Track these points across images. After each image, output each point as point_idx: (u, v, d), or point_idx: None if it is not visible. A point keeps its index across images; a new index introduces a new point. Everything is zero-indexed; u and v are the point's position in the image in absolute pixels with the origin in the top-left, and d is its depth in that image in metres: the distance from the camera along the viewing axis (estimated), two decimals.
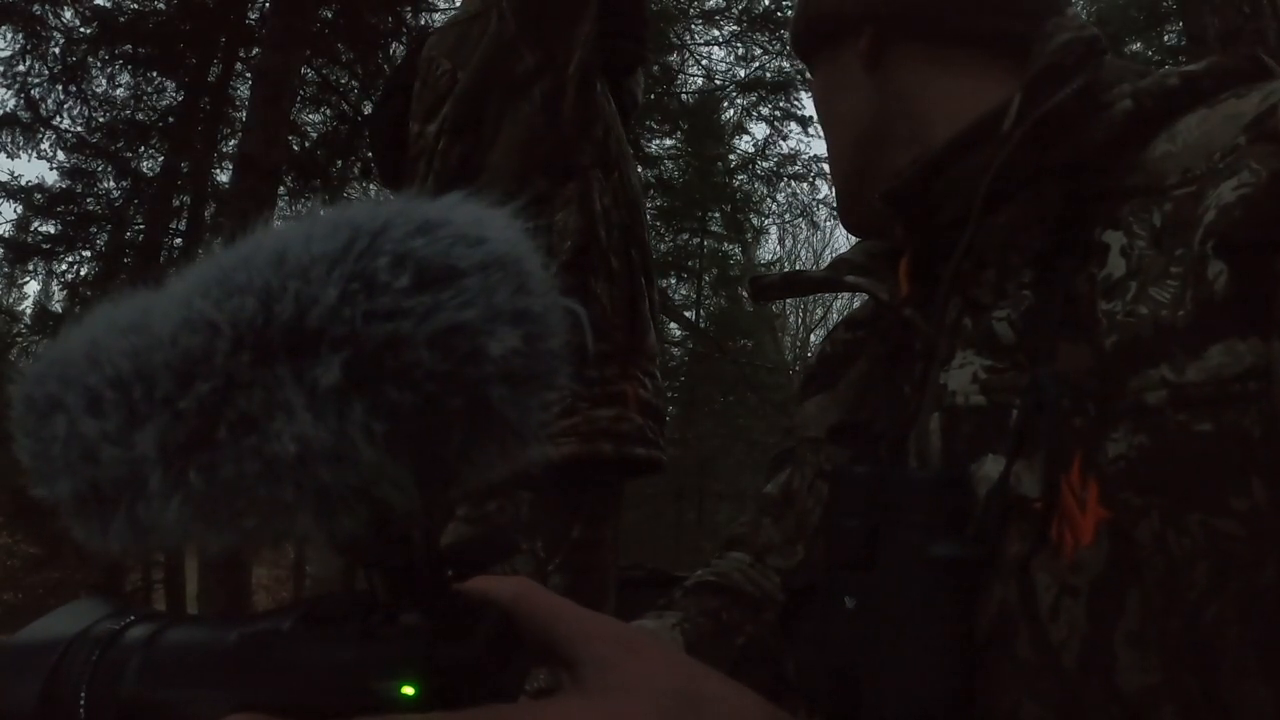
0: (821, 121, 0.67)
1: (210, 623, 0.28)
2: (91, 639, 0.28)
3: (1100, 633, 0.40)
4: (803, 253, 14.14)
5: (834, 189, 0.68)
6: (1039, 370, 0.45)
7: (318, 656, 0.24)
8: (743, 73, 8.33)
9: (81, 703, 0.27)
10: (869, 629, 0.47)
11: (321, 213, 0.23)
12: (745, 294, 9.90)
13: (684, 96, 8.31)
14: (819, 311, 14.14)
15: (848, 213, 0.66)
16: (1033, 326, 0.47)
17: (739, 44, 8.16)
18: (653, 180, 7.95)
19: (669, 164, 8.42)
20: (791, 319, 13.89)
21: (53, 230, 6.25)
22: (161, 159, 6.42)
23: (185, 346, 0.21)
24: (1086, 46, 0.50)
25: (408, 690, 0.23)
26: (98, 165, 6.28)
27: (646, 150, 7.81)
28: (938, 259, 0.55)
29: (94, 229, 6.30)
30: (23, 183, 6.05)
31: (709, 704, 0.25)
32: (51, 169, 6.25)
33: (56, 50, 5.98)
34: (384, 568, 0.24)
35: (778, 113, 8.29)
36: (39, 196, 6.11)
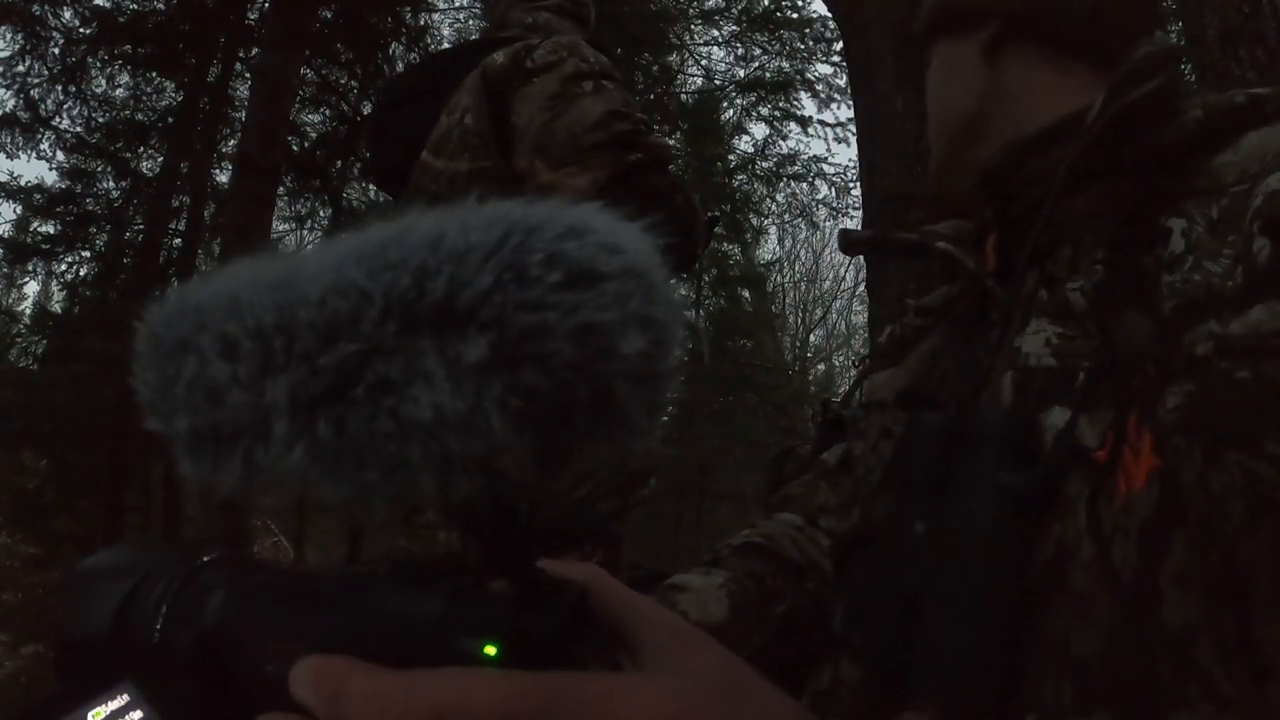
0: (930, 98, 0.74)
1: (292, 570, 0.29)
2: (170, 571, 0.29)
3: (1148, 570, 0.44)
4: (802, 253, 14.15)
5: (931, 165, 0.75)
6: (1106, 336, 0.51)
7: (406, 609, 0.26)
8: (742, 73, 8.35)
9: (157, 631, 0.28)
10: (937, 550, 0.51)
11: (476, 206, 0.24)
12: (745, 294, 9.92)
13: (683, 96, 8.32)
14: (818, 312, 14.16)
15: (941, 188, 0.73)
16: (1102, 297, 0.53)
17: (738, 44, 8.18)
18: None
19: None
20: (791, 319, 13.89)
21: (52, 230, 6.25)
22: (161, 159, 6.41)
23: (333, 309, 0.23)
24: (1165, 55, 0.58)
25: (490, 650, 0.24)
26: (97, 165, 6.28)
27: None
28: (1020, 242, 0.61)
29: (93, 229, 6.30)
30: (22, 183, 6.05)
31: (755, 702, 0.27)
32: (51, 169, 6.26)
33: (56, 50, 5.98)
34: (482, 535, 0.26)
35: (777, 113, 8.30)
36: (38, 196, 6.11)
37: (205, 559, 0.29)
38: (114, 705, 0.27)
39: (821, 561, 0.75)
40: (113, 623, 0.28)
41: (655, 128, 1.31)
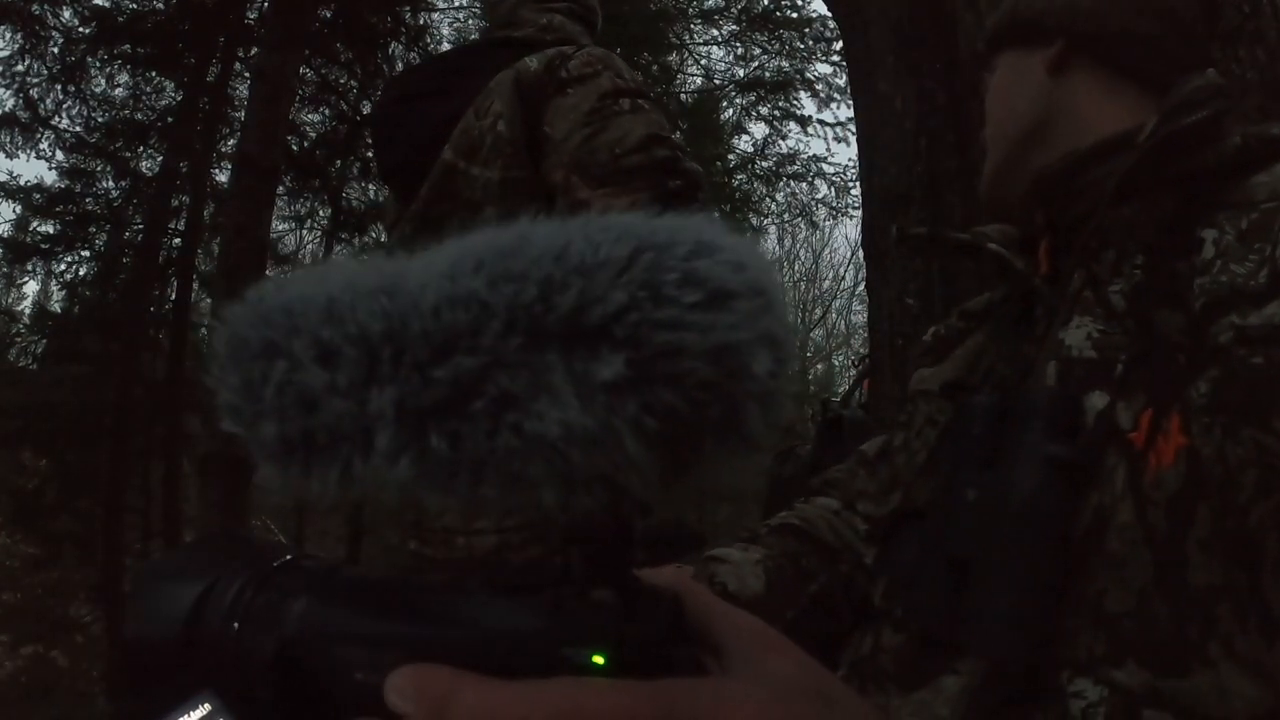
0: (992, 104, 0.78)
1: (377, 576, 0.28)
2: (246, 573, 0.28)
3: (1176, 536, 0.48)
4: (801, 252, 14.15)
5: (986, 168, 0.78)
6: (1142, 331, 0.56)
7: (507, 619, 0.25)
8: (742, 72, 8.34)
9: (233, 636, 0.27)
10: (987, 516, 0.55)
11: (597, 219, 0.24)
12: None
13: (683, 96, 8.31)
14: (818, 311, 14.15)
15: (994, 190, 0.77)
16: (1139, 297, 0.58)
17: (738, 44, 8.17)
18: None
19: None
20: (791, 319, 13.87)
21: (52, 230, 6.24)
22: (161, 159, 6.40)
23: (450, 320, 0.22)
24: (1214, 90, 0.63)
25: (598, 660, 0.24)
26: (97, 165, 6.27)
27: None
28: (1070, 246, 0.66)
29: (93, 229, 6.29)
30: (21, 183, 6.05)
31: (838, 705, 0.29)
32: (50, 169, 6.25)
33: (55, 50, 5.97)
34: (593, 546, 0.26)
35: (777, 112, 8.29)
36: (38, 196, 6.10)
37: (278, 562, 0.28)
38: (196, 715, 0.26)
39: (856, 545, 0.79)
40: (185, 627, 0.27)
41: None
